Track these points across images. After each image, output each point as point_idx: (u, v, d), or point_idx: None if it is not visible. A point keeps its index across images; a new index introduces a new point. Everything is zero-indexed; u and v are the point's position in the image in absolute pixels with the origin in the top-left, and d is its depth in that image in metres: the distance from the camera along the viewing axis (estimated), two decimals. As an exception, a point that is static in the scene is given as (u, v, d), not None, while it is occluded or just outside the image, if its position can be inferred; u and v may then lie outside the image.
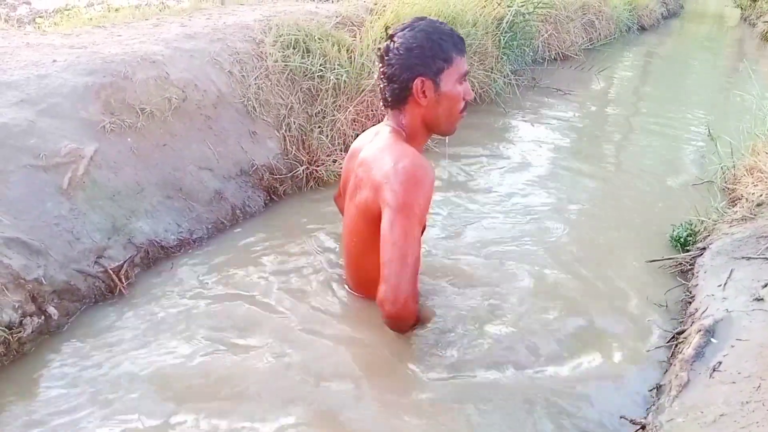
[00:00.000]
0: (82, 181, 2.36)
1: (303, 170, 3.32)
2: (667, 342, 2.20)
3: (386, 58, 2.00)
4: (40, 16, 4.35)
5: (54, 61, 2.68)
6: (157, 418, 1.77)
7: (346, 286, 2.33)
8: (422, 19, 2.04)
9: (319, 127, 3.49)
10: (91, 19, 3.82)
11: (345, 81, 3.59)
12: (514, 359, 2.08)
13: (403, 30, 2.00)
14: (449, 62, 1.99)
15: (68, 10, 4.47)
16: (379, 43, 3.78)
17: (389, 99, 2.04)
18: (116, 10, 4.22)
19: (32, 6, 4.97)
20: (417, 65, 1.96)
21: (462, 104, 2.07)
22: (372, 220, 1.98)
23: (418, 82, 1.97)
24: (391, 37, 2.02)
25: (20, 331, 1.95)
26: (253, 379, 1.92)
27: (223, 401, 1.83)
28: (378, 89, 2.10)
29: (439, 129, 2.11)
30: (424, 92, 1.99)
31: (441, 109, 2.03)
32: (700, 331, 1.99)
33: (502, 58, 5.40)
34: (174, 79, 2.90)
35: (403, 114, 2.04)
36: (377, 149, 2.02)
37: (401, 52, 1.97)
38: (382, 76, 2.03)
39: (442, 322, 2.20)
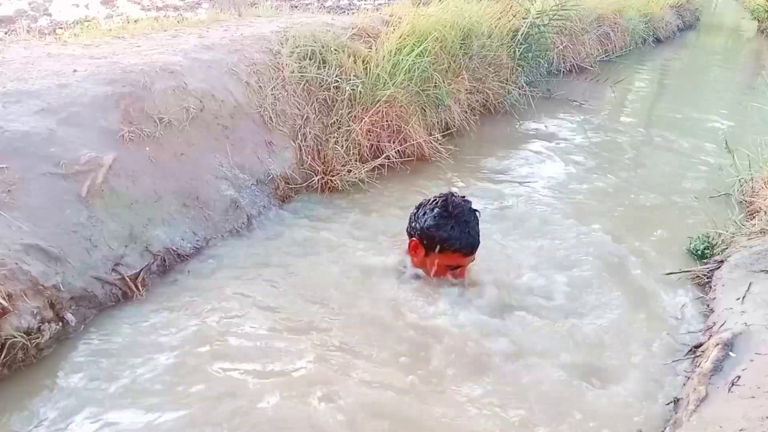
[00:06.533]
0: (100, 190, 2.39)
1: (318, 180, 3.33)
2: (685, 355, 2.18)
3: (418, 211, 2.50)
4: (60, 27, 4.41)
5: (75, 70, 2.72)
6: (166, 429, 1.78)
7: None
8: (460, 207, 2.42)
9: (334, 137, 3.51)
10: (110, 30, 3.87)
11: (360, 92, 3.61)
12: (530, 370, 2.08)
13: (441, 207, 2.42)
14: (444, 252, 2.41)
15: (88, 21, 4.53)
16: (395, 54, 3.81)
17: (407, 231, 2.54)
18: (135, 21, 4.27)
19: (53, 17, 5.06)
20: (421, 235, 2.44)
21: (447, 276, 2.48)
22: None
23: (414, 241, 2.47)
24: (436, 202, 2.44)
25: (38, 337, 1.97)
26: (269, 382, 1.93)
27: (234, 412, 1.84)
28: None
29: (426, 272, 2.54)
30: (415, 250, 2.49)
31: (426, 266, 2.49)
32: (718, 344, 1.97)
33: (517, 70, 5.41)
34: (192, 89, 2.94)
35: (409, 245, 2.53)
36: None
37: (423, 222, 2.43)
38: (412, 215, 2.53)
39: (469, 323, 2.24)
